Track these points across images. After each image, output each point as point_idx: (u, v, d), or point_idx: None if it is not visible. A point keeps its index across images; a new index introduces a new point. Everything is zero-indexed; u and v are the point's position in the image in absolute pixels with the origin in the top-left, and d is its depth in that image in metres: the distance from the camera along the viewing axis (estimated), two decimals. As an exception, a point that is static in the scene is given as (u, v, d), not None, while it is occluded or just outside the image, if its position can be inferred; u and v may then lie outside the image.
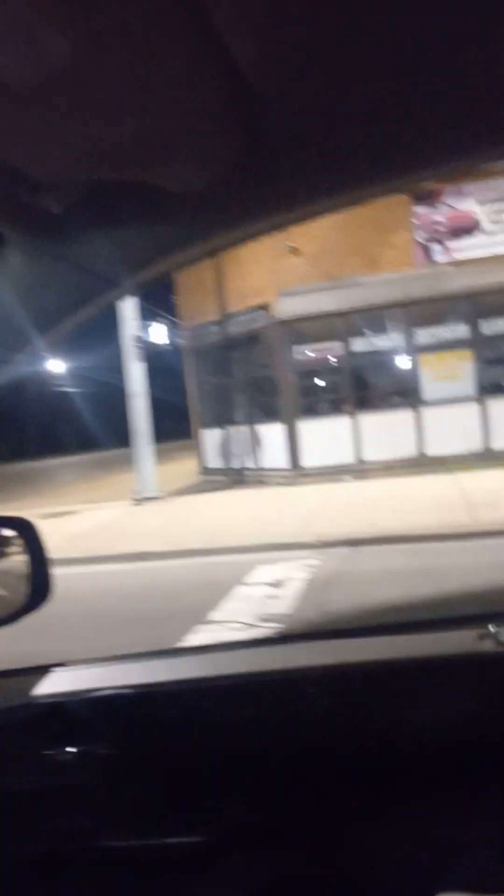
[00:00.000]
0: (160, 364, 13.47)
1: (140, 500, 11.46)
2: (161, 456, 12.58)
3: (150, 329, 11.94)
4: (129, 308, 11.44)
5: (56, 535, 9.31)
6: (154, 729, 1.02)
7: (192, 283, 13.89)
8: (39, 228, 0.67)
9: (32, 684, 1.07)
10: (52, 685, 1.08)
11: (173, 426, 19.90)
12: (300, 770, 0.97)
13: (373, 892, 0.93)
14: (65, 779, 1.01)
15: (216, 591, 5.62)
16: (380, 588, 5.25)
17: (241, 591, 5.64)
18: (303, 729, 1.00)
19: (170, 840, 0.97)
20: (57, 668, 1.12)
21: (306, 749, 0.98)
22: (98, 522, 10.07)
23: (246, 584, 5.84)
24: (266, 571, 6.16)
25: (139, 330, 11.63)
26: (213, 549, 7.40)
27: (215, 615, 5.05)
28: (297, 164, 0.60)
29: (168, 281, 14.72)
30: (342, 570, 5.97)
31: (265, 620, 4.87)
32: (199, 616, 4.99)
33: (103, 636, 4.76)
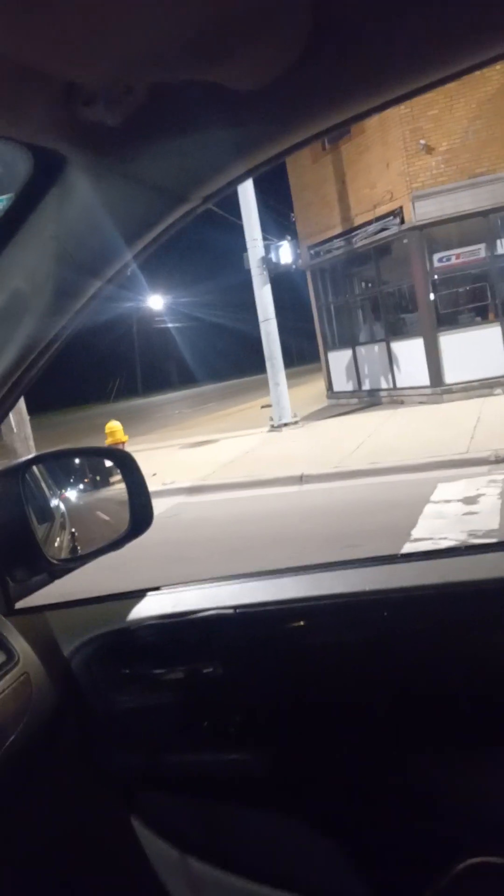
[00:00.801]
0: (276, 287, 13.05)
1: (277, 426, 11.40)
2: (305, 375, 12.33)
3: (274, 251, 11.49)
4: (254, 230, 11.06)
5: (205, 463, 9.45)
6: (257, 648, 1.02)
7: (312, 198, 13.23)
8: (100, 145, 0.64)
9: (132, 607, 1.09)
10: (157, 607, 1.09)
11: (288, 351, 19.61)
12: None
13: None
14: (169, 695, 1.05)
15: (404, 509, 5.46)
16: None
17: (432, 509, 5.44)
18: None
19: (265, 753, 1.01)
20: (162, 590, 1.13)
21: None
22: (242, 449, 10.12)
23: (434, 501, 5.62)
24: (451, 489, 5.92)
25: (264, 252, 11.23)
26: (378, 470, 7.21)
27: (417, 532, 4.89)
28: (370, 46, 0.55)
29: (282, 200, 14.12)
30: (537, 484, 5.62)
31: (473, 536, 4.67)
32: (401, 534, 4.85)
33: (315, 553, 4.74)
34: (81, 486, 1.30)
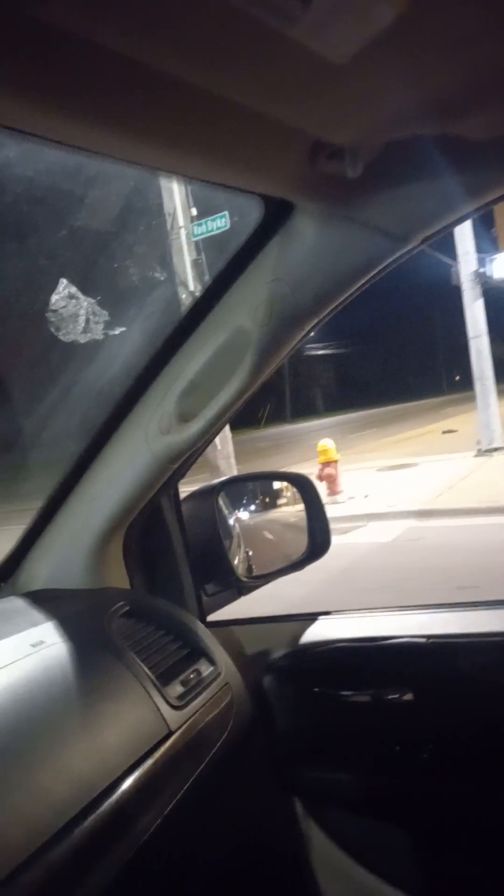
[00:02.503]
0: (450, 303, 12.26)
1: (486, 451, 10.54)
2: (467, 402, 11.40)
3: (488, 264, 10.78)
4: (467, 242, 10.46)
5: (418, 486, 8.87)
6: (450, 680, 1.00)
7: (517, 210, 12.40)
8: (332, 194, 0.67)
9: (315, 629, 1.11)
10: (340, 630, 1.10)
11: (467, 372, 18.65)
12: None
13: None
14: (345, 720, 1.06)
15: None
16: None
17: None
18: None
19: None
20: (334, 615, 1.14)
21: None
22: (456, 474, 9.40)
23: None
24: None
25: (476, 265, 10.56)
26: None
27: None
28: None
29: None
30: None
31: None
32: None
33: None
34: (253, 507, 1.35)
